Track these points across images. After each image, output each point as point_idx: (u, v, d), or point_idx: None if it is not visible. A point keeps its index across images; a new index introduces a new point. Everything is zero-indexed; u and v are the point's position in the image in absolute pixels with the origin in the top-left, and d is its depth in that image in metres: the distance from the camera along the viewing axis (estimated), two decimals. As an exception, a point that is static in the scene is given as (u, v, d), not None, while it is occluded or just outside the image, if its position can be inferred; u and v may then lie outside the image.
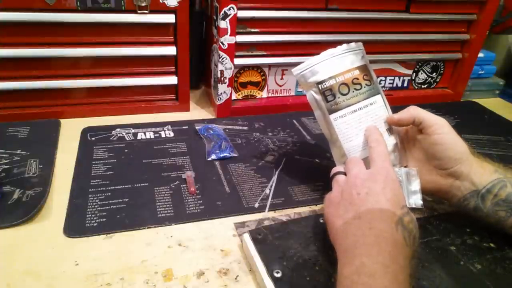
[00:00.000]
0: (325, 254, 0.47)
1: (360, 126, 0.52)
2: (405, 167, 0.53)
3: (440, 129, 0.50)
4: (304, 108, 0.85)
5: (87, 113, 0.78)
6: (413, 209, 0.48)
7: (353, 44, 0.54)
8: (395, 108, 0.55)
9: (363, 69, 0.53)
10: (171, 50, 0.77)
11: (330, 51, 0.53)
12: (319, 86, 0.52)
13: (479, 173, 0.49)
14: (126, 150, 0.68)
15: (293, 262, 0.45)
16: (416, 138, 0.54)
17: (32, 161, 0.63)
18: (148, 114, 0.81)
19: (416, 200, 0.49)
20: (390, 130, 0.54)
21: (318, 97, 0.53)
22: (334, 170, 0.50)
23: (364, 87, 0.52)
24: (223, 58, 0.76)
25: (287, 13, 0.77)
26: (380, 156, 0.46)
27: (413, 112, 0.52)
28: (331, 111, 0.52)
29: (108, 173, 0.62)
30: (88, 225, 0.52)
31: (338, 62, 0.52)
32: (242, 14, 0.73)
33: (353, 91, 0.52)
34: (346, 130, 0.52)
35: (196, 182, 0.61)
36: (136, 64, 0.78)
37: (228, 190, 0.60)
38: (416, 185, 0.49)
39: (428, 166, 0.52)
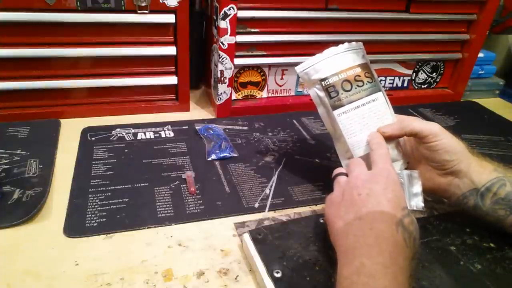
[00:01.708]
0: (325, 254, 0.47)
1: (363, 122, 0.52)
2: (407, 168, 0.53)
3: (435, 137, 0.50)
4: (304, 108, 0.86)
5: (87, 113, 0.78)
6: (413, 210, 0.48)
7: (354, 43, 0.55)
8: (396, 108, 0.56)
9: (365, 67, 0.54)
10: (171, 50, 0.77)
11: (332, 50, 0.53)
12: (322, 83, 0.53)
13: (478, 171, 0.50)
14: (126, 150, 0.68)
15: (293, 262, 0.45)
16: (412, 142, 0.54)
17: (32, 161, 0.63)
18: (148, 114, 0.81)
19: (418, 203, 0.49)
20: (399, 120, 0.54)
21: (322, 93, 0.53)
22: (336, 171, 0.50)
23: (366, 84, 0.53)
24: (223, 58, 0.76)
25: (287, 13, 0.77)
26: (381, 158, 0.47)
27: (405, 126, 0.51)
28: (335, 107, 0.53)
29: (108, 173, 0.62)
30: (88, 225, 0.52)
31: (341, 59, 0.53)
32: (242, 14, 0.73)
33: (356, 88, 0.52)
34: (350, 125, 0.52)
35: (196, 182, 0.61)
36: (136, 64, 0.78)
37: (228, 190, 0.60)
38: (418, 187, 0.50)
39: (427, 166, 0.53)
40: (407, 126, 0.51)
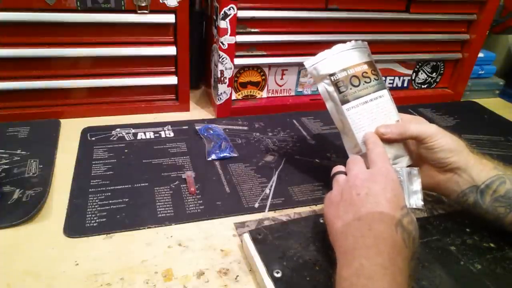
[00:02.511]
0: (325, 254, 0.47)
1: (372, 117, 0.53)
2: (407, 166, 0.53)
3: (432, 138, 0.50)
4: (304, 108, 0.86)
5: (87, 113, 0.78)
6: (413, 209, 0.48)
7: (359, 41, 0.56)
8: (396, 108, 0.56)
9: (371, 64, 0.55)
10: (171, 50, 0.77)
11: (340, 46, 0.54)
12: (332, 78, 0.53)
13: (478, 169, 0.50)
14: (126, 150, 0.68)
15: (293, 262, 0.45)
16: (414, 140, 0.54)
17: (32, 161, 0.63)
18: (148, 114, 0.81)
19: (417, 201, 0.49)
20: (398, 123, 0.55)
21: (331, 88, 0.54)
22: (334, 169, 0.50)
23: (373, 81, 0.54)
24: (223, 58, 0.76)
25: (287, 13, 0.77)
26: (379, 156, 0.47)
27: (404, 131, 0.52)
28: (344, 102, 0.53)
29: (108, 173, 0.62)
30: (88, 225, 0.52)
31: (348, 56, 0.54)
32: (242, 14, 0.73)
33: (364, 84, 0.53)
34: (359, 120, 0.53)
35: (196, 182, 0.61)
36: (136, 64, 0.78)
37: (228, 190, 0.60)
38: (417, 185, 0.50)
39: (427, 164, 0.53)
40: (405, 132, 0.51)
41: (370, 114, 0.53)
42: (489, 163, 0.51)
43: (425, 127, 0.52)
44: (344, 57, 0.54)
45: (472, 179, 0.50)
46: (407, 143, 0.55)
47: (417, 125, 0.52)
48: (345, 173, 0.48)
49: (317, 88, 0.56)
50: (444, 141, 0.50)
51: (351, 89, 0.53)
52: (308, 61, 0.55)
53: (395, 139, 0.52)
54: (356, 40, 0.55)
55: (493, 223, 0.50)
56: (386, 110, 0.54)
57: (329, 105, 0.56)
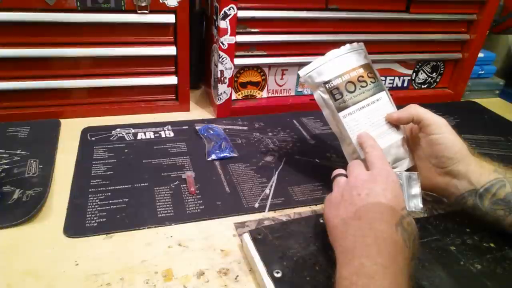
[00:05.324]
0: (325, 254, 0.47)
1: (369, 122, 0.53)
2: (407, 170, 0.53)
3: (438, 129, 0.50)
4: (304, 108, 0.86)
5: (87, 113, 0.78)
6: (412, 211, 0.48)
7: (355, 44, 0.55)
8: (396, 108, 0.56)
9: (367, 67, 0.54)
10: (171, 50, 0.77)
11: (334, 52, 0.54)
12: (326, 85, 0.53)
13: (477, 172, 0.50)
14: (126, 150, 0.68)
15: (293, 262, 0.45)
16: (418, 135, 0.54)
17: (32, 161, 0.63)
18: (148, 114, 0.81)
19: (417, 204, 0.49)
20: (397, 125, 0.55)
21: (326, 96, 0.54)
22: (335, 172, 0.51)
23: (370, 84, 0.53)
24: (223, 58, 0.76)
25: (287, 13, 0.77)
26: (378, 159, 0.47)
27: (412, 111, 0.52)
28: (340, 109, 0.53)
29: (108, 173, 0.62)
30: (88, 225, 0.52)
31: (343, 61, 0.54)
32: (242, 14, 0.73)
33: (360, 89, 0.53)
34: (356, 126, 0.53)
35: (196, 182, 0.61)
36: (136, 64, 0.78)
37: (228, 190, 0.60)
38: (416, 189, 0.50)
39: (427, 163, 0.53)
40: (413, 111, 0.52)
41: (368, 119, 0.53)
42: (489, 165, 0.50)
43: (433, 115, 0.52)
44: (338, 63, 0.53)
45: (471, 183, 0.50)
46: (408, 144, 0.55)
47: (426, 110, 0.52)
48: (346, 176, 0.48)
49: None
50: (450, 137, 0.50)
51: (346, 95, 0.52)
52: (302, 70, 0.55)
53: (404, 117, 0.52)
54: (351, 41, 0.55)
55: (492, 224, 0.50)
56: (384, 113, 0.53)
57: (325, 112, 0.56)
